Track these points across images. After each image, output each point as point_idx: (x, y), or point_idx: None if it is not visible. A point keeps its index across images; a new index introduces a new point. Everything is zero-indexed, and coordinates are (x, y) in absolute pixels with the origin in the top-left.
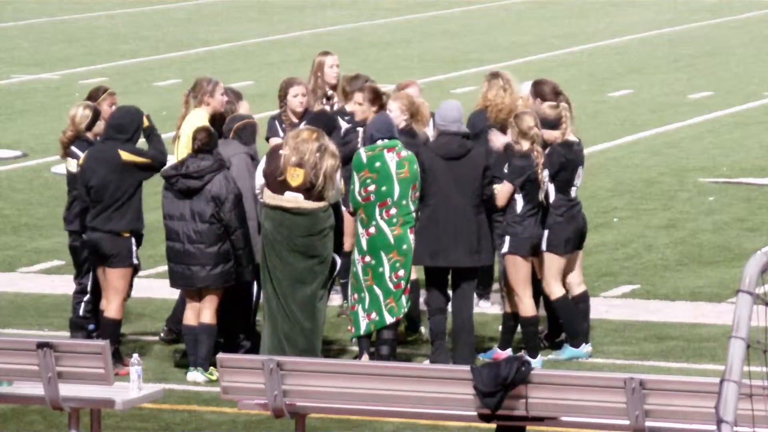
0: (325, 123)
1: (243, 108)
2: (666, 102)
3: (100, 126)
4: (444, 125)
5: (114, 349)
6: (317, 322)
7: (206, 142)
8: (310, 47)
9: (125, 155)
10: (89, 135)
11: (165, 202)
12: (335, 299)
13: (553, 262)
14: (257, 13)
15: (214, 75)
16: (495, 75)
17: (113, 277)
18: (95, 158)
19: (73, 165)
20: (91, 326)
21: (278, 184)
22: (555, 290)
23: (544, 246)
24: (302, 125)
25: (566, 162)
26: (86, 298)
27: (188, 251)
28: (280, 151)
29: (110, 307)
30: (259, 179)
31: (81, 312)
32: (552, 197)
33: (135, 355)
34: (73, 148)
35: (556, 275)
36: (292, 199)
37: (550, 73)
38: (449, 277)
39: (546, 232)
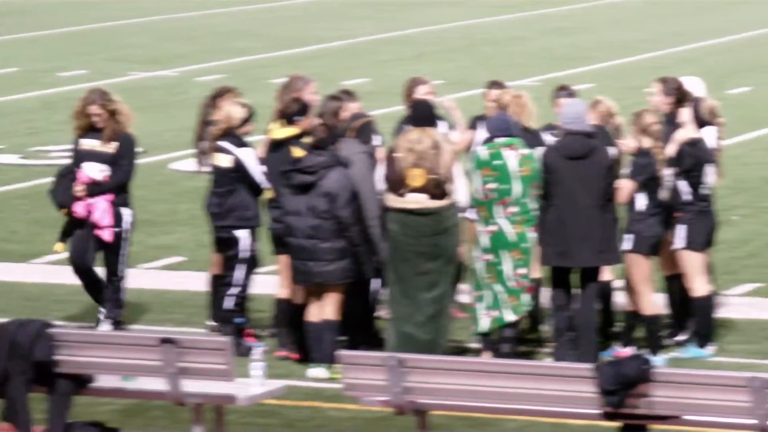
0: (427, 116)
1: (353, 108)
2: None
3: (250, 126)
4: (567, 123)
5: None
6: (444, 321)
7: (322, 138)
8: (423, 45)
9: (296, 151)
10: (240, 132)
11: (284, 198)
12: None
13: (692, 259)
14: (371, 11)
15: (327, 73)
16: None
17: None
18: (274, 154)
19: (222, 159)
20: (237, 320)
21: (399, 187)
22: (698, 287)
23: (682, 244)
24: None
25: (695, 159)
26: (233, 291)
27: (304, 246)
28: (396, 155)
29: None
30: (380, 185)
31: (227, 305)
32: (686, 196)
33: (258, 351)
34: (223, 143)
35: (699, 272)
36: (416, 200)
37: (666, 70)
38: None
39: (684, 230)
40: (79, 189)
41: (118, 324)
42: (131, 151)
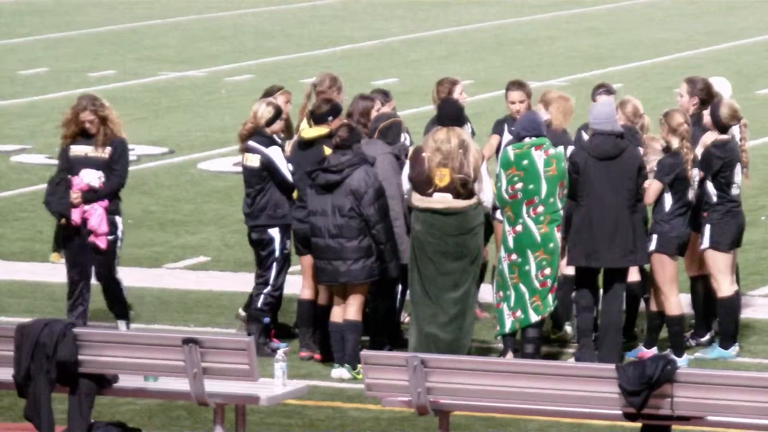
0: (454, 116)
1: (388, 108)
2: None
3: (279, 124)
4: (597, 123)
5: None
6: (468, 321)
7: (346, 138)
8: (455, 44)
9: (327, 151)
10: (268, 131)
11: (309, 198)
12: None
13: (718, 260)
14: (403, 11)
15: (357, 73)
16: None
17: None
18: (303, 154)
19: (252, 159)
20: (266, 319)
21: (425, 187)
22: (724, 287)
23: (707, 244)
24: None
25: (723, 161)
26: (266, 290)
27: (329, 246)
28: (423, 154)
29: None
30: (406, 184)
31: (259, 304)
32: (714, 197)
33: (280, 351)
34: (252, 143)
35: (724, 271)
36: (442, 200)
37: (697, 70)
38: (600, 276)
39: (710, 230)
40: (74, 196)
41: (128, 321)
42: (125, 156)
